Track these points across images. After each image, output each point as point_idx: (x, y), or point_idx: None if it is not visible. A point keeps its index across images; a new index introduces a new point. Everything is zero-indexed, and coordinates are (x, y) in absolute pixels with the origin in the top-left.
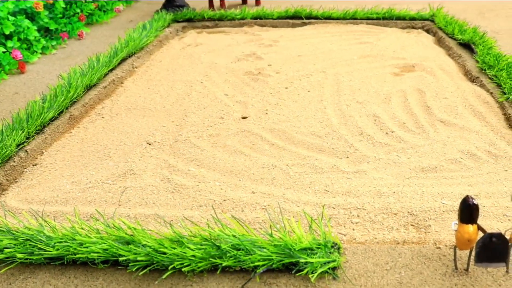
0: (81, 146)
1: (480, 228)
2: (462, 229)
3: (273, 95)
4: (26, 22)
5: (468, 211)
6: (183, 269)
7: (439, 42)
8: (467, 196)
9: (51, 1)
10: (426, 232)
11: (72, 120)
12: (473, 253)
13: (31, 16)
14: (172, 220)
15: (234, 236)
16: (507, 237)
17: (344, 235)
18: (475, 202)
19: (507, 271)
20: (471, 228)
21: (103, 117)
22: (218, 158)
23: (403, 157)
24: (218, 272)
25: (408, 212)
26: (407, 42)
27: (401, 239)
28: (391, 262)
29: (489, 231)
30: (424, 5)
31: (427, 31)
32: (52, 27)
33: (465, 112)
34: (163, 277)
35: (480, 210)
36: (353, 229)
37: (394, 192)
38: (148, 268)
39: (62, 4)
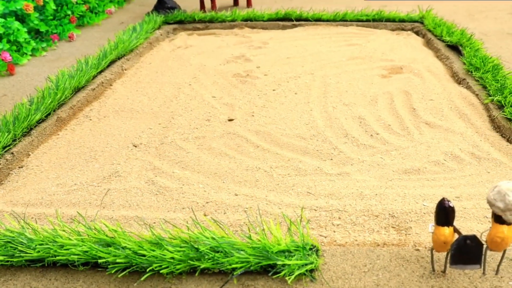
0: (67, 148)
1: (455, 230)
2: (438, 231)
3: (260, 97)
4: (16, 24)
5: (444, 214)
6: (161, 271)
7: (428, 44)
8: (443, 198)
9: (41, 3)
10: (407, 234)
11: (60, 122)
12: None
13: (21, 18)
14: (155, 223)
15: (213, 238)
16: (484, 239)
17: (325, 237)
18: (451, 204)
19: (483, 273)
20: (447, 230)
21: (90, 119)
22: (203, 160)
23: (387, 159)
24: (196, 274)
25: (389, 214)
26: (396, 44)
27: (381, 241)
28: (369, 264)
29: (469, 233)
30: (414, 7)
31: (417, 33)
32: (43, 29)
33: (450, 114)
34: (142, 279)
35: (461, 212)
36: (334, 231)
37: (376, 194)
38: (127, 270)
39: (53, 6)
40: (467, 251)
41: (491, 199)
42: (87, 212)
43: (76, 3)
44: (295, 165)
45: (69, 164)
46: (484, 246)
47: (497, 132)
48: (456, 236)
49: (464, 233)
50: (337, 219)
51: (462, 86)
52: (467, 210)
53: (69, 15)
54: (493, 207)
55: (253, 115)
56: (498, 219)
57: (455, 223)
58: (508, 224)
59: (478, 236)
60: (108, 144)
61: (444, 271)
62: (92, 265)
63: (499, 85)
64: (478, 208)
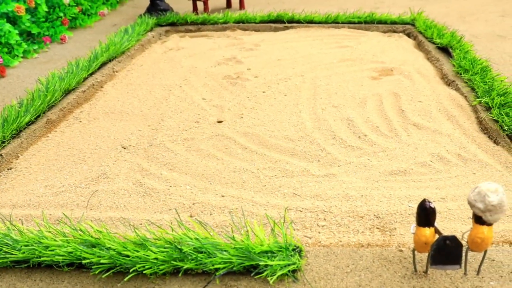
0: (57, 150)
1: (437, 231)
2: (419, 232)
3: (250, 99)
4: (7, 26)
5: (425, 214)
6: (145, 272)
7: (419, 46)
8: (424, 199)
9: (33, 5)
10: (391, 235)
11: (49, 124)
12: None
13: (13, 20)
14: (141, 224)
15: (196, 239)
16: (465, 239)
17: (310, 238)
18: (431, 205)
19: (465, 273)
20: (428, 231)
21: (80, 121)
22: (191, 162)
23: (374, 161)
24: (180, 274)
25: (374, 215)
26: (388, 46)
27: (365, 242)
28: (352, 265)
29: (453, 234)
30: (406, 9)
31: (408, 35)
32: (34, 31)
33: (438, 115)
34: (125, 279)
35: (445, 213)
36: (319, 232)
37: (362, 196)
38: (111, 271)
39: (45, 8)
40: (447, 252)
41: (471, 200)
42: (74, 213)
43: (69, 5)
44: (282, 167)
45: (57, 166)
46: (465, 246)
47: (485, 133)
48: (437, 236)
49: (447, 234)
50: (322, 220)
51: (452, 88)
52: (452, 211)
53: (61, 17)
54: (473, 208)
55: (242, 117)
56: (478, 219)
57: (439, 223)
58: (488, 224)
59: (460, 237)
60: (97, 146)
61: (426, 272)
62: (77, 266)
63: (487, 87)
64: (463, 209)
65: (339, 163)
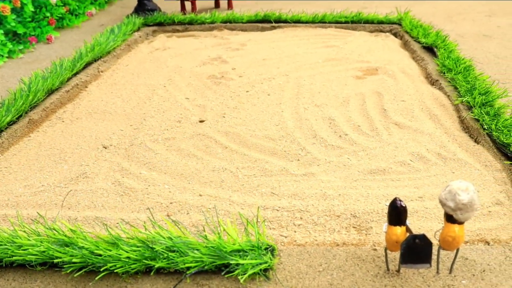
0: (38, 150)
1: (408, 230)
2: (390, 231)
3: (233, 98)
4: None
5: (396, 213)
6: (116, 271)
7: (405, 45)
8: (395, 198)
9: (19, 5)
10: (367, 234)
11: (32, 124)
12: None
13: None
14: (117, 223)
15: (169, 238)
16: (437, 238)
17: (286, 237)
18: (402, 204)
19: (437, 272)
20: (399, 230)
21: (63, 121)
22: (171, 161)
23: (353, 160)
24: (152, 273)
25: (351, 214)
26: (374, 45)
27: (341, 241)
28: (325, 264)
29: (429, 233)
30: (394, 9)
31: (395, 34)
32: (20, 31)
33: (420, 114)
34: (96, 278)
35: (422, 212)
36: (295, 231)
37: (340, 195)
38: (83, 270)
39: (31, 8)
40: (416, 250)
41: (442, 199)
42: (52, 213)
43: (56, 5)
44: (261, 166)
45: (38, 166)
46: (437, 245)
47: (466, 132)
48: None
49: (424, 233)
50: (298, 219)
51: (435, 87)
52: (429, 210)
53: (47, 17)
54: (444, 207)
55: (224, 117)
56: (449, 218)
57: (416, 223)
58: (460, 223)
59: (432, 235)
60: (79, 145)
61: (398, 271)
62: (50, 265)
63: (470, 86)
64: (439, 208)
65: (318, 162)
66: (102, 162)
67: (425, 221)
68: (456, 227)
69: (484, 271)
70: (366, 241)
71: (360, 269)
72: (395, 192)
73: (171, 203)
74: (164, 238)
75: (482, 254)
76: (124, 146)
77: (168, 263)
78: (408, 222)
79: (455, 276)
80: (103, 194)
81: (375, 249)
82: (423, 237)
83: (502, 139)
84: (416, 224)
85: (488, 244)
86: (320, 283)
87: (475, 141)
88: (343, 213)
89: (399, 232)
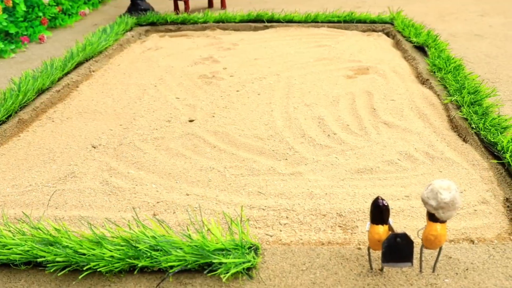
0: (27, 150)
1: (390, 228)
2: (372, 230)
3: (223, 98)
4: None
5: (378, 212)
6: (100, 270)
7: (397, 45)
8: (378, 197)
9: (11, 4)
10: (352, 233)
11: (21, 124)
12: None
13: None
14: (104, 222)
15: (153, 237)
16: (420, 237)
17: (271, 236)
18: (385, 203)
19: (420, 271)
20: (381, 228)
21: (53, 121)
22: (159, 161)
23: (341, 159)
24: (135, 272)
25: (337, 213)
26: (366, 45)
27: (326, 240)
28: (308, 263)
29: (414, 231)
30: (387, 9)
31: (387, 34)
32: (12, 30)
33: (410, 114)
34: (80, 277)
35: (409, 211)
36: (281, 230)
37: (326, 194)
38: (67, 269)
39: (23, 8)
40: (398, 249)
41: (424, 197)
42: (39, 212)
43: (48, 4)
44: (249, 165)
45: (26, 166)
46: (420, 244)
47: (455, 131)
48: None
49: (409, 232)
50: (284, 219)
51: (425, 87)
52: (415, 209)
53: (40, 16)
54: (426, 205)
55: (213, 116)
56: (431, 217)
57: (402, 221)
58: (442, 222)
59: (415, 234)
60: (68, 145)
61: (381, 269)
62: (35, 265)
63: (459, 86)
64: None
65: (306, 161)
66: (90, 161)
67: (411, 220)
68: (438, 225)
69: (467, 269)
70: (351, 240)
71: (343, 268)
72: (381, 191)
73: (158, 202)
74: (148, 237)
75: (466, 253)
76: (113, 145)
77: (151, 262)
78: (391, 221)
79: (438, 275)
80: (91, 193)
81: (359, 248)
82: (404, 236)
83: (490, 138)
84: (402, 223)
85: (473, 242)
86: (303, 282)
87: (464, 140)
88: (329, 212)
89: (381, 231)
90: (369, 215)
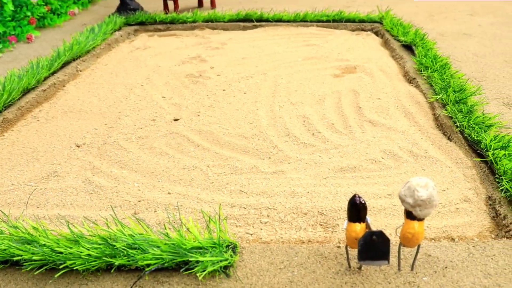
0: (11, 149)
1: (367, 226)
2: (350, 228)
3: (209, 97)
4: None
5: (355, 210)
6: (76, 268)
7: (386, 44)
8: (355, 195)
9: None
10: (333, 231)
11: (6, 123)
12: None
13: None
14: (84, 221)
15: (131, 235)
16: (398, 235)
17: (251, 234)
18: (362, 201)
19: (399, 269)
20: (358, 226)
21: (38, 120)
22: (142, 160)
23: (325, 158)
24: (112, 270)
25: (318, 211)
26: (354, 44)
27: (306, 239)
28: (286, 261)
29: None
30: (376, 8)
31: (376, 33)
32: (0, 30)
33: (396, 112)
34: (56, 276)
35: (390, 209)
36: (261, 229)
37: (308, 192)
38: (44, 268)
39: (11, 7)
40: (374, 247)
41: (402, 195)
42: (19, 211)
43: (37, 4)
44: (232, 164)
45: (9, 165)
46: (399, 242)
47: (440, 130)
48: None
49: (389, 230)
50: (265, 217)
51: (412, 85)
52: (396, 207)
53: (28, 16)
54: (403, 203)
55: (198, 115)
56: (409, 215)
57: (384, 220)
58: (419, 220)
59: (393, 232)
60: (52, 144)
61: (360, 268)
62: (12, 263)
63: (445, 84)
64: None
65: (289, 160)
66: (74, 160)
67: (392, 218)
68: (415, 223)
69: (446, 267)
70: (331, 239)
71: (321, 266)
72: (364, 190)
73: (139, 201)
74: (125, 235)
75: (446, 251)
76: (97, 144)
77: (128, 261)
78: (369, 219)
79: (416, 273)
80: (73, 192)
81: (338, 247)
82: (380, 234)
83: (474, 136)
84: (383, 221)
85: (454, 241)
86: (280, 280)
87: (448, 138)
88: (310, 211)
89: (358, 229)
90: (347, 213)
